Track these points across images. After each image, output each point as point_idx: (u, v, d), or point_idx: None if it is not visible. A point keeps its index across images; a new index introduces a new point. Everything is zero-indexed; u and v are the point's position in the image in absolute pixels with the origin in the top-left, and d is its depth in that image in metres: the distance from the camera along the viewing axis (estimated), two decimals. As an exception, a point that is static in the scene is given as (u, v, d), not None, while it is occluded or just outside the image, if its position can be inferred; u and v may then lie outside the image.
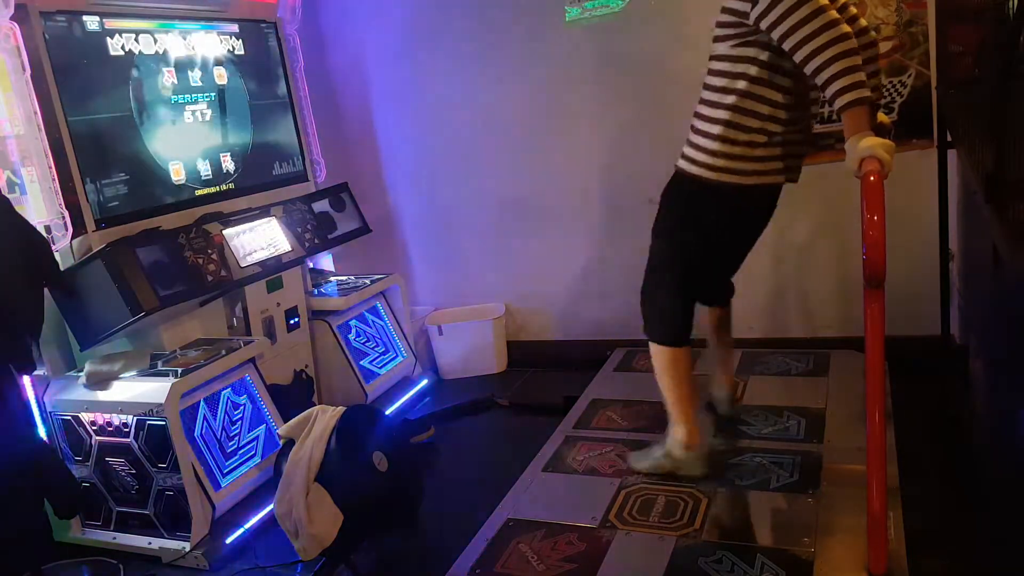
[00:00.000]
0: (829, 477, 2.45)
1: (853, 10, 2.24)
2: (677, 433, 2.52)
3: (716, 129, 2.22)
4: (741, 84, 2.17)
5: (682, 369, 2.48)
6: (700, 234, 2.38)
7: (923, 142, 3.19)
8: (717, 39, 2.23)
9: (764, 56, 2.13)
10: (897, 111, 3.22)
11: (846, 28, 1.94)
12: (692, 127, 2.32)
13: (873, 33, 2.34)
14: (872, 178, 1.83)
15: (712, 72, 2.26)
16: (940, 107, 3.08)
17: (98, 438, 2.75)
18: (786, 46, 2.00)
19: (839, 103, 1.92)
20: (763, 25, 2.03)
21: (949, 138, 2.90)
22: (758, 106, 2.18)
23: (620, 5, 3.58)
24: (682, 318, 2.48)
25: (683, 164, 2.34)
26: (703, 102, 2.29)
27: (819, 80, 1.95)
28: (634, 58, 3.61)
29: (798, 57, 1.98)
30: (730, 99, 2.19)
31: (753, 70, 2.15)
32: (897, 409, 2.75)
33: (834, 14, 1.95)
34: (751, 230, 2.56)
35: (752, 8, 2.05)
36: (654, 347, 2.51)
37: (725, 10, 2.18)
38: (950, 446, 2.66)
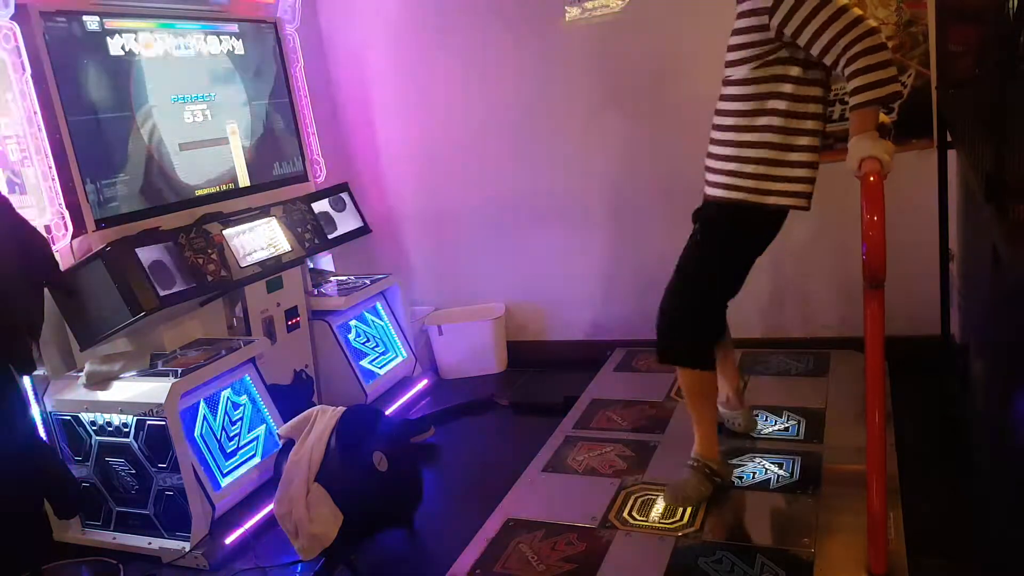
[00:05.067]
0: (829, 477, 2.45)
1: (857, 11, 2.24)
2: (710, 452, 2.47)
3: (758, 152, 2.18)
4: (777, 104, 2.15)
5: (713, 389, 2.49)
6: (739, 257, 2.36)
7: (923, 142, 3.19)
8: (732, 63, 2.20)
9: (793, 72, 2.12)
10: (897, 111, 3.22)
11: (872, 23, 1.95)
12: (718, 155, 2.26)
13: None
14: (872, 178, 1.83)
15: (732, 97, 2.21)
16: (940, 107, 3.08)
17: (98, 438, 2.75)
18: (814, 51, 2.00)
19: (855, 100, 1.93)
20: (787, 31, 2.03)
21: (949, 138, 2.90)
22: (798, 123, 2.16)
23: (620, 5, 3.58)
24: (712, 341, 2.48)
25: (718, 192, 2.27)
26: (728, 128, 2.23)
27: (845, 75, 1.96)
28: (634, 58, 3.61)
29: (830, 55, 1.98)
30: (765, 120, 2.16)
31: (787, 88, 2.13)
32: (897, 409, 2.75)
33: (857, 11, 1.96)
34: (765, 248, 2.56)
35: (771, 18, 2.04)
36: (686, 372, 2.45)
37: (737, 32, 2.17)
38: (950, 446, 2.66)
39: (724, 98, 2.25)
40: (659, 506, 2.42)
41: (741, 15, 2.16)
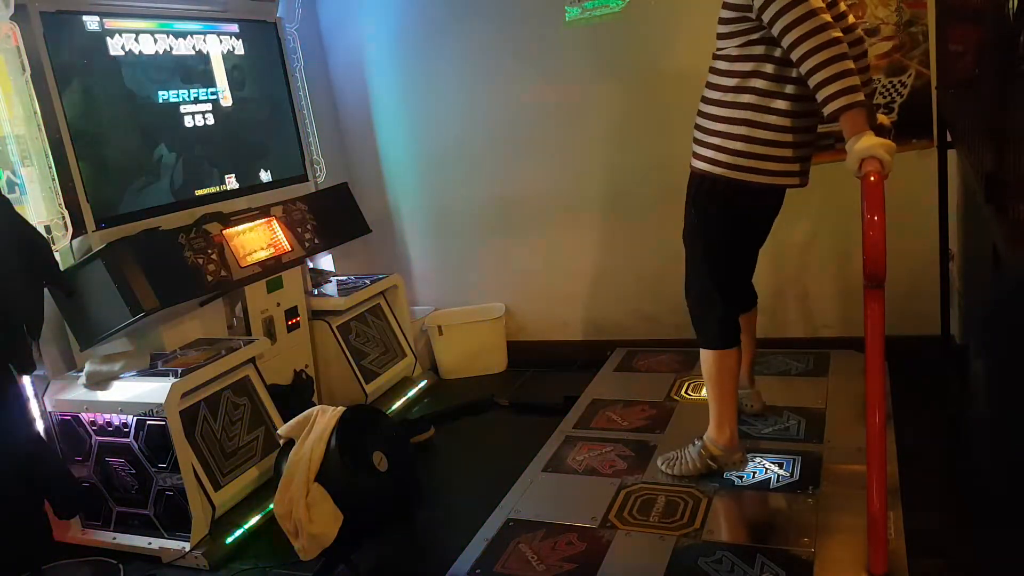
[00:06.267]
0: (829, 477, 2.45)
1: (843, 6, 2.24)
2: (718, 437, 2.49)
3: (738, 129, 2.21)
4: (758, 83, 2.17)
5: (729, 372, 2.46)
6: (724, 231, 2.37)
7: (923, 142, 3.19)
8: (722, 36, 2.23)
9: (777, 52, 2.12)
10: (897, 111, 3.22)
11: (836, 33, 1.95)
12: (704, 128, 2.29)
13: (860, 31, 2.34)
14: (872, 178, 1.83)
15: (720, 72, 2.24)
16: (940, 107, 3.08)
17: (98, 438, 2.75)
18: (783, 45, 2.02)
19: (829, 108, 1.93)
20: (764, 18, 2.04)
21: (949, 138, 2.90)
22: (778, 103, 2.17)
23: (620, 5, 3.58)
24: (727, 319, 2.47)
25: (701, 165, 2.30)
26: (713, 102, 2.26)
27: (810, 83, 1.97)
28: (634, 58, 3.61)
29: (793, 57, 2.00)
30: (747, 97, 2.18)
31: (768, 67, 2.15)
32: (897, 409, 2.75)
33: (826, 17, 1.96)
34: (763, 229, 2.57)
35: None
36: (704, 352, 2.47)
37: (727, 6, 2.19)
38: (950, 446, 2.66)
39: (712, 71, 2.28)
40: (659, 506, 2.42)
41: None
